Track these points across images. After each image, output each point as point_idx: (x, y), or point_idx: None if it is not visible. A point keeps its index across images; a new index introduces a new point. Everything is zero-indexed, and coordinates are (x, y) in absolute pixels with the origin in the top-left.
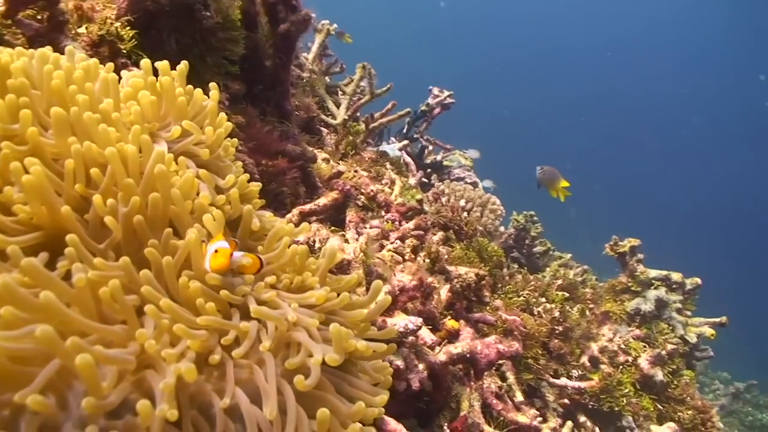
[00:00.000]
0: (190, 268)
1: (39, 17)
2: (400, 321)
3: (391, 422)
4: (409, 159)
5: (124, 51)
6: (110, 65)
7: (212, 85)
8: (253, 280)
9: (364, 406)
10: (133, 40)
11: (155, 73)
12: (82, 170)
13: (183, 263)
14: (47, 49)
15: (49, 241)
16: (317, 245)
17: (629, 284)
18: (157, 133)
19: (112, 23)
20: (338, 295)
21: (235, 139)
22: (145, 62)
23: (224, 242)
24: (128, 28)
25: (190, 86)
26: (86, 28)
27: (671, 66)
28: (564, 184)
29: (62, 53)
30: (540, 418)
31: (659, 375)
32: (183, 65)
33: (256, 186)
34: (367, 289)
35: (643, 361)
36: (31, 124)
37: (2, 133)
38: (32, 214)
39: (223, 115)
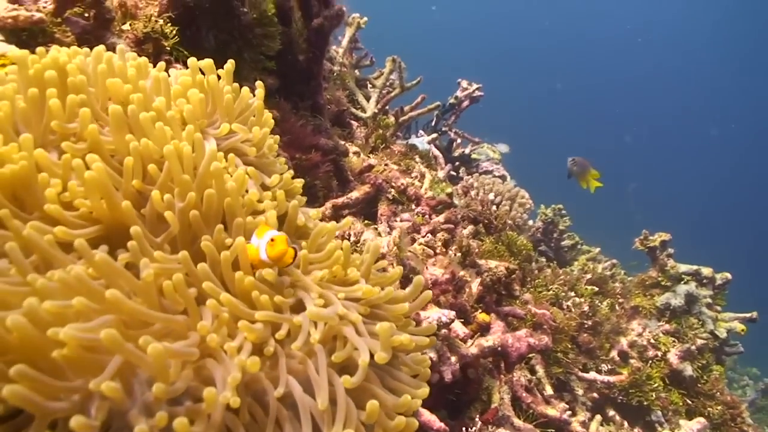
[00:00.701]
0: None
1: (86, 15)
2: (433, 314)
3: (425, 413)
4: (437, 152)
5: (167, 48)
6: (162, 64)
7: (259, 83)
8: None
9: (411, 399)
10: (176, 37)
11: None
12: (139, 167)
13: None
14: (101, 49)
15: (107, 234)
16: (352, 238)
17: (659, 279)
18: (205, 130)
19: (156, 21)
20: (382, 289)
21: (277, 136)
22: (192, 61)
23: (276, 231)
24: (169, 25)
25: (236, 84)
26: (130, 24)
27: (703, 56)
28: (594, 174)
29: (109, 50)
30: (569, 412)
31: (689, 370)
32: (230, 64)
33: (299, 182)
34: (401, 283)
35: (673, 356)
36: (90, 122)
37: (61, 131)
38: (92, 209)
39: (268, 113)
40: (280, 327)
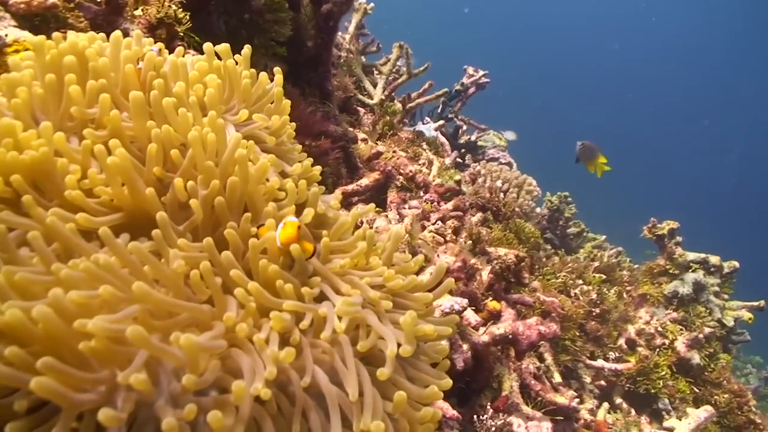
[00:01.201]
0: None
1: (98, 0)
2: (445, 302)
3: (438, 401)
4: (444, 139)
5: (180, 34)
6: (180, 49)
7: (277, 69)
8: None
9: (436, 390)
10: (188, 22)
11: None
12: (161, 153)
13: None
14: (119, 34)
15: (128, 221)
16: (364, 225)
17: (667, 267)
18: (224, 116)
19: (170, 6)
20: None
21: (294, 123)
22: (208, 46)
23: (292, 217)
24: (181, 10)
25: (253, 70)
26: (142, 10)
27: (717, 37)
28: (602, 159)
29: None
30: (577, 399)
31: (696, 358)
32: (247, 49)
33: (317, 170)
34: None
35: (680, 344)
36: (110, 108)
37: (81, 116)
38: (113, 196)
39: (287, 101)
40: (303, 317)
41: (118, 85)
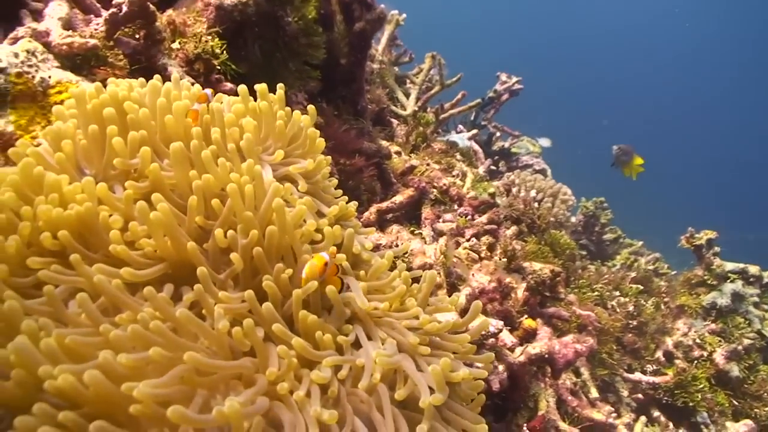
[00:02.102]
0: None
1: (137, 36)
2: None
3: None
4: (477, 147)
5: (218, 67)
6: (219, 95)
7: (311, 108)
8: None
9: None
10: (224, 53)
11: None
12: (202, 203)
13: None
14: (157, 80)
15: (172, 271)
16: (399, 260)
17: (705, 277)
18: (261, 157)
19: (207, 41)
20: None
21: (329, 157)
22: (242, 89)
23: (324, 252)
24: (217, 39)
25: (288, 109)
26: (179, 42)
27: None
28: (638, 161)
29: (160, 71)
30: (614, 414)
31: (735, 370)
32: (281, 89)
33: (353, 205)
34: (448, 290)
35: (719, 356)
36: (151, 160)
37: (123, 167)
38: (156, 247)
39: (321, 140)
40: (342, 366)
41: (158, 132)
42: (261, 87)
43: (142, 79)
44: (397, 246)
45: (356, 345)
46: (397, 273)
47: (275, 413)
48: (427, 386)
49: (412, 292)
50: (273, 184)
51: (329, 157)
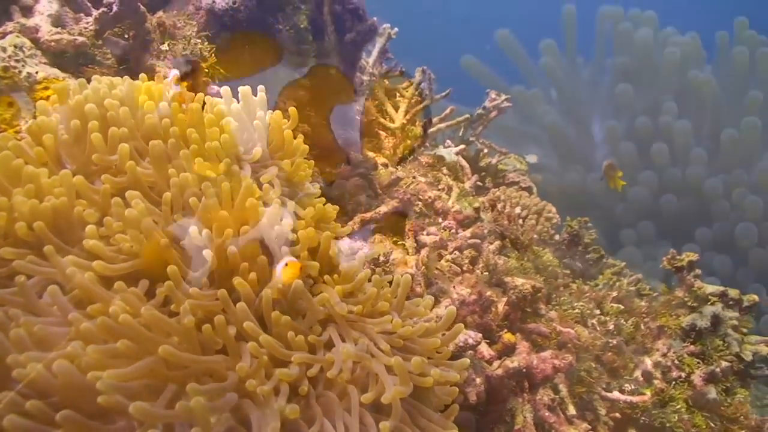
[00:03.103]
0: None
1: (126, 36)
2: (460, 336)
3: None
4: (464, 163)
5: (206, 70)
6: (200, 95)
7: (292, 110)
8: (334, 304)
9: None
10: (212, 56)
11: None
12: (179, 200)
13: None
14: (143, 78)
15: (146, 267)
16: (381, 258)
17: (685, 299)
18: (240, 157)
19: (195, 44)
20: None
21: (311, 161)
22: (225, 90)
23: (291, 257)
24: (207, 43)
25: (271, 112)
26: (168, 44)
27: None
28: (619, 173)
29: (148, 71)
30: None
31: (713, 392)
32: (262, 93)
33: (332, 209)
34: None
35: (697, 378)
36: (129, 157)
37: (101, 163)
38: (132, 243)
39: (301, 143)
40: (313, 365)
41: (139, 129)
42: (244, 89)
43: (127, 77)
44: (378, 255)
45: (329, 346)
46: (369, 273)
47: (244, 411)
48: (391, 384)
49: (387, 296)
50: (246, 183)
51: (311, 162)
